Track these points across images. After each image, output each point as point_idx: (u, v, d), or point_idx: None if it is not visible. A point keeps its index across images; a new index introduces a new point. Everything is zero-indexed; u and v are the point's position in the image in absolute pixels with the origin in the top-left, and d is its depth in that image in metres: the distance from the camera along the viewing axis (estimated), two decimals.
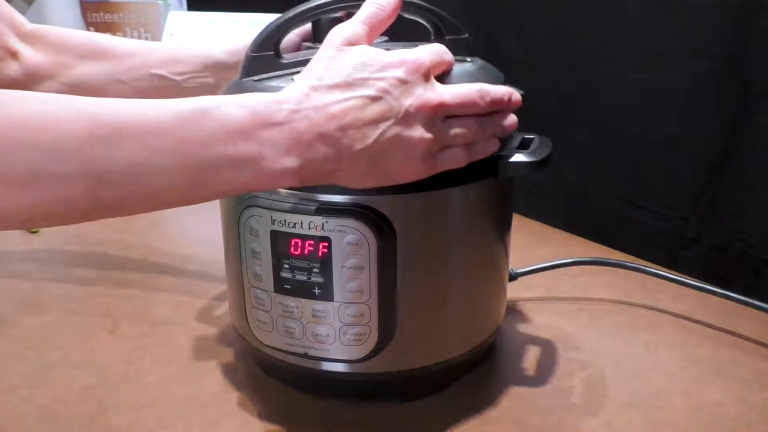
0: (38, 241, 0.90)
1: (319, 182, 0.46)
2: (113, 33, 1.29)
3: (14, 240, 0.90)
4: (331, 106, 0.44)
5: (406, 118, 0.46)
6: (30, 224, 0.41)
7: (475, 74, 0.54)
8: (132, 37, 1.30)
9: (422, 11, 0.57)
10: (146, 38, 1.28)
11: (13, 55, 0.72)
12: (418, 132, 0.46)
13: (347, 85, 0.45)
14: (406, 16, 0.56)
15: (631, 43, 0.82)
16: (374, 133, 0.45)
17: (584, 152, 0.90)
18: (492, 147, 0.52)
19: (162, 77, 0.72)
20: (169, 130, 0.41)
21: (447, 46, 0.53)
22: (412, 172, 0.48)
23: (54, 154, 0.38)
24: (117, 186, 0.40)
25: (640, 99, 0.83)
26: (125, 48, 0.74)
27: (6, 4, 0.72)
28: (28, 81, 0.72)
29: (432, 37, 0.59)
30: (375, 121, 0.45)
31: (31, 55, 0.72)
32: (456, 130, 0.48)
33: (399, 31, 0.57)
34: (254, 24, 1.14)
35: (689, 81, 0.78)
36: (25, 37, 0.73)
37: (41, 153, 0.38)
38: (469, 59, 0.58)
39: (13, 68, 0.72)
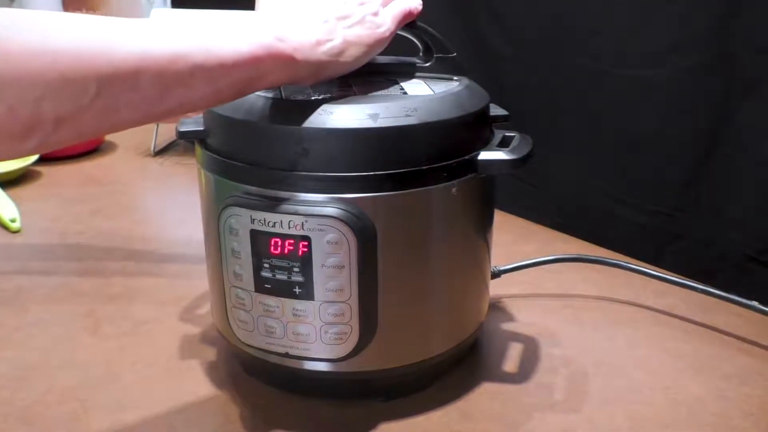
0: (19, 240, 0.89)
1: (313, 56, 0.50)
2: None
3: None
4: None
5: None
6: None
7: (460, 94, 0.55)
8: None
9: (414, 29, 0.59)
10: None
11: None
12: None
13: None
14: (399, 32, 0.57)
15: (617, 40, 0.83)
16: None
17: (570, 149, 0.91)
18: None
19: None
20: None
21: (435, 63, 0.59)
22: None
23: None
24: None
25: (625, 95, 0.83)
26: None
27: None
28: None
29: (420, 54, 0.61)
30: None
31: None
32: None
33: (389, 46, 0.58)
34: None
35: (674, 78, 0.78)
36: None
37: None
38: (455, 78, 0.59)
39: None
